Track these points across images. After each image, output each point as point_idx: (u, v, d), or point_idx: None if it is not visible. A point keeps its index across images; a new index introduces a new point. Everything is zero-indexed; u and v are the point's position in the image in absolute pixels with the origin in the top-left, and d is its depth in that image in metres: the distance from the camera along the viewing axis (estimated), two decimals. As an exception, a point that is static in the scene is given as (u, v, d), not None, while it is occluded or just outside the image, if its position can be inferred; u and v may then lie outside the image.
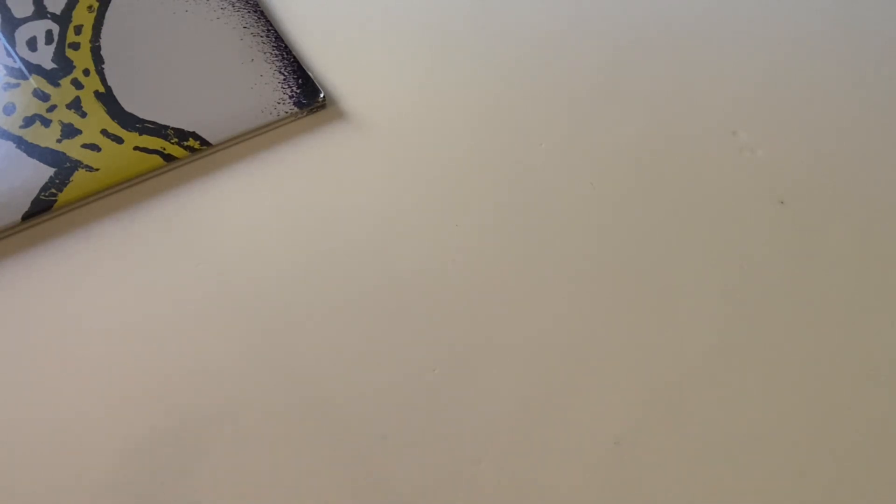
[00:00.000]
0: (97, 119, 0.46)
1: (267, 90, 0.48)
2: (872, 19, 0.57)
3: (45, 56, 0.48)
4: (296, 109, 0.48)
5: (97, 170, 0.44)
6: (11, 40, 0.48)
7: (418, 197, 0.46)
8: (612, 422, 0.40)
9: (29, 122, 0.45)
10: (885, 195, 0.48)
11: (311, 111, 0.49)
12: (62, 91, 0.47)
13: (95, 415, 0.37)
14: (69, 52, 0.48)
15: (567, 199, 0.47)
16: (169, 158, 0.45)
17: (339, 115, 0.49)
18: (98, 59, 0.48)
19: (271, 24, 0.51)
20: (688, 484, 0.38)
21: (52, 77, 0.47)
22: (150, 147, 0.45)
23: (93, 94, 0.47)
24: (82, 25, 0.50)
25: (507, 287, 0.43)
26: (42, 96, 0.46)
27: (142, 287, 0.42)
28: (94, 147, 0.45)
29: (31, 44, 0.48)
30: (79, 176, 0.44)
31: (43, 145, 0.45)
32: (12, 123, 0.45)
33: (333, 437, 0.38)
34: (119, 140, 0.45)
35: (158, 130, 0.46)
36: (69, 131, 0.45)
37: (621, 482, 0.38)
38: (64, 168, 0.44)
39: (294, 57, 0.50)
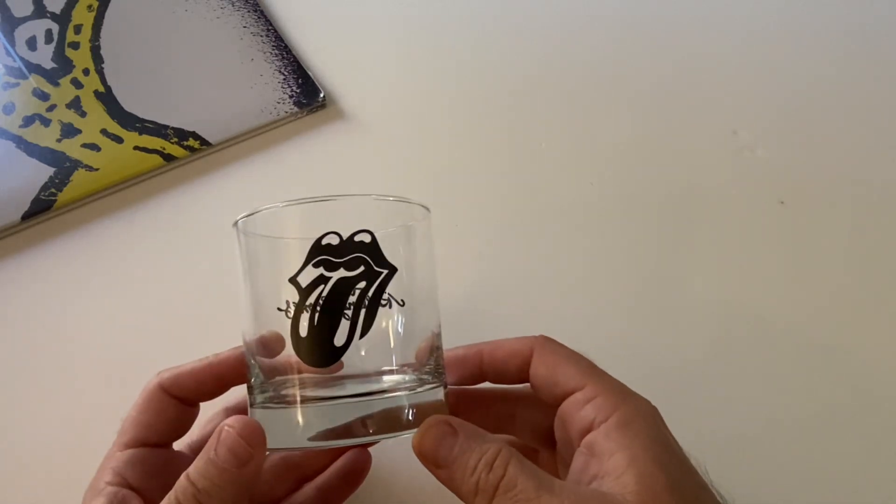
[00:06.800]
0: (97, 118, 0.46)
1: (267, 90, 0.48)
2: (872, 20, 0.57)
3: (44, 55, 0.48)
4: (296, 109, 0.48)
5: (97, 169, 0.44)
6: (11, 39, 0.48)
7: (418, 196, 0.46)
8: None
9: (28, 121, 0.45)
10: (884, 195, 0.48)
11: (311, 111, 0.49)
12: (62, 90, 0.47)
13: (90, 412, 0.37)
14: (69, 52, 0.48)
15: (567, 198, 0.47)
16: (169, 158, 0.45)
17: (339, 114, 0.49)
18: (98, 58, 0.48)
19: (271, 24, 0.51)
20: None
21: (52, 76, 0.47)
22: (150, 147, 0.45)
23: (92, 94, 0.47)
24: (82, 25, 0.49)
25: (506, 286, 0.43)
26: (42, 96, 0.46)
27: (141, 286, 0.42)
28: (93, 147, 0.45)
29: (31, 43, 0.48)
30: (78, 175, 0.44)
31: (42, 145, 0.44)
32: (12, 123, 0.45)
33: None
34: (119, 140, 0.45)
35: (158, 130, 0.46)
36: (69, 131, 0.45)
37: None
38: (64, 168, 0.44)
39: (294, 56, 0.50)
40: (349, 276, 0.27)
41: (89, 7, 0.50)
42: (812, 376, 0.41)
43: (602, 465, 0.26)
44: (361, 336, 0.27)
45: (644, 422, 0.27)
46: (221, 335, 0.41)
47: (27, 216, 0.42)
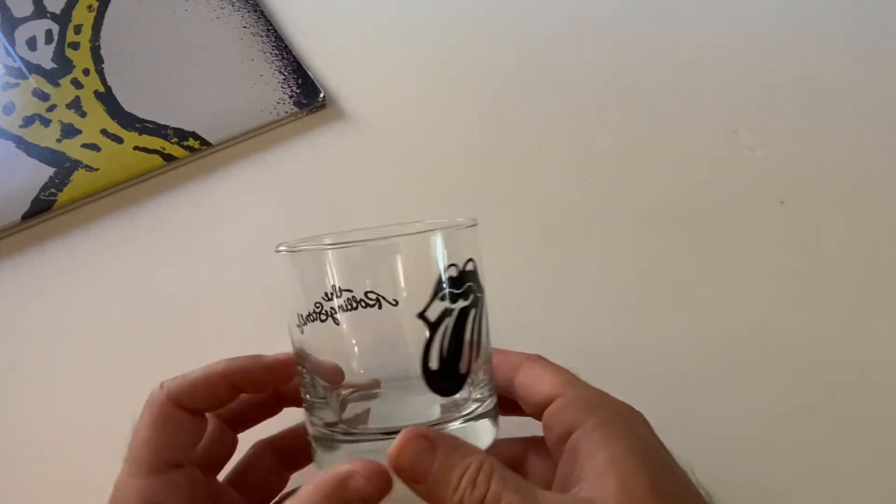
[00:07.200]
0: (97, 119, 0.46)
1: (267, 90, 0.48)
2: (873, 19, 0.57)
3: (44, 56, 0.48)
4: (296, 109, 0.48)
5: (97, 169, 0.44)
6: (11, 40, 0.48)
7: (418, 197, 0.46)
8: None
9: (28, 121, 0.45)
10: (884, 195, 0.48)
11: (311, 111, 0.49)
12: (62, 91, 0.47)
13: (90, 412, 0.37)
14: (69, 52, 0.48)
15: (567, 198, 0.47)
16: (169, 158, 0.45)
17: (339, 114, 0.49)
18: (98, 58, 0.48)
19: (271, 24, 0.51)
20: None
21: (52, 77, 0.47)
22: (150, 147, 0.45)
23: (92, 94, 0.47)
24: (82, 25, 0.49)
25: (505, 286, 0.43)
26: (42, 96, 0.46)
27: (141, 286, 0.42)
28: (93, 147, 0.45)
29: (31, 43, 0.48)
30: (78, 176, 0.44)
31: (42, 145, 0.45)
32: (12, 123, 0.45)
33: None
34: (119, 140, 0.45)
35: (158, 130, 0.46)
36: (69, 131, 0.45)
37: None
38: (63, 168, 0.44)
39: (294, 57, 0.50)
40: (466, 306, 0.28)
41: (89, 7, 0.50)
42: (812, 377, 0.41)
43: (584, 468, 0.26)
44: (477, 361, 0.29)
45: (625, 423, 0.27)
46: (221, 336, 0.41)
47: (27, 216, 0.42)
